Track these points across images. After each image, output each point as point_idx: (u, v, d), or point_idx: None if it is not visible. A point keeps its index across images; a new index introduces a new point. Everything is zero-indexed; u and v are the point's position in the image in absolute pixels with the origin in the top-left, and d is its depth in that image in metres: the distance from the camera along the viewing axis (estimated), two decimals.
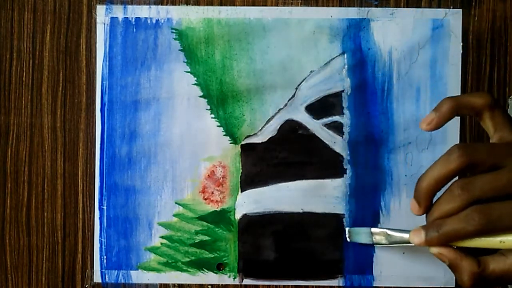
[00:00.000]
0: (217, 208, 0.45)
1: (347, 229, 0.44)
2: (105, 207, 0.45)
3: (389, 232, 0.42)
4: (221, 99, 0.45)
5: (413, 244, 0.35)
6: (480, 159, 0.33)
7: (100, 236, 0.45)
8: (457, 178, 0.34)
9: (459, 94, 0.44)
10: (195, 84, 0.45)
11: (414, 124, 0.44)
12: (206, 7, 0.45)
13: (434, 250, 0.35)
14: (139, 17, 0.45)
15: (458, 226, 0.33)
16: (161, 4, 0.45)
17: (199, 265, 0.45)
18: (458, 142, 0.44)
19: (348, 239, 0.44)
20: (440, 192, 0.34)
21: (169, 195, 0.45)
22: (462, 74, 0.44)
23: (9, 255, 0.46)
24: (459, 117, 0.44)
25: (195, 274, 0.45)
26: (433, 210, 0.35)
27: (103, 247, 0.45)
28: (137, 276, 0.45)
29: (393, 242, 0.42)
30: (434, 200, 0.35)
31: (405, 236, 0.40)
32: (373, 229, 0.43)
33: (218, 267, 0.45)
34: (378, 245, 0.44)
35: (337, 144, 0.45)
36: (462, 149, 0.33)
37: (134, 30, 0.45)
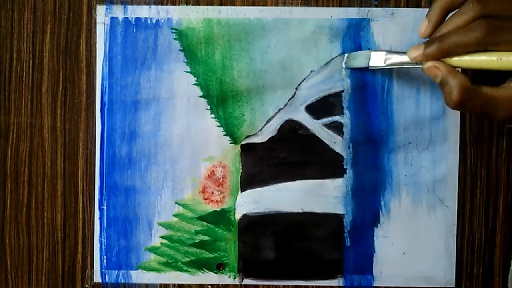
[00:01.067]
0: (217, 208, 0.45)
1: (345, 54, 0.43)
2: (105, 207, 0.45)
3: (387, 53, 0.41)
4: (221, 99, 0.45)
5: (410, 66, 0.35)
6: (494, 9, 0.33)
7: (100, 236, 0.45)
8: None
9: None
10: (195, 84, 0.45)
11: (414, 124, 0.44)
12: (206, 7, 0.45)
13: (429, 64, 0.35)
14: (139, 17, 0.45)
15: (460, 37, 0.33)
16: (161, 4, 0.45)
17: (199, 265, 0.45)
18: (458, 142, 0.44)
19: (344, 65, 0.43)
20: None
21: (169, 195, 0.45)
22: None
23: (9, 255, 0.46)
24: (459, 117, 0.44)
25: (195, 274, 0.45)
26: (441, 27, 0.35)
27: (103, 247, 0.45)
28: (137, 276, 0.45)
29: (391, 64, 0.40)
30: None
31: (404, 57, 0.39)
32: (372, 52, 0.42)
33: (218, 267, 0.45)
34: (374, 67, 0.42)
35: (337, 144, 0.45)
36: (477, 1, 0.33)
37: (134, 30, 0.45)
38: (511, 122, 0.36)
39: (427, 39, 0.37)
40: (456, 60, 0.34)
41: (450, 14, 0.35)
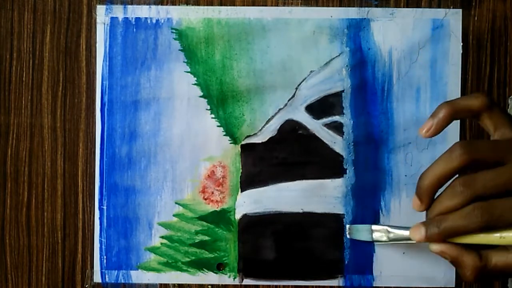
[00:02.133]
0: (217, 208, 0.45)
1: (347, 226, 0.44)
2: (105, 207, 0.45)
3: (389, 229, 0.42)
4: (221, 99, 0.45)
5: (413, 241, 0.35)
6: (482, 156, 0.33)
7: (100, 236, 0.45)
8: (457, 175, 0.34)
9: (459, 94, 0.44)
10: (195, 84, 0.45)
11: (414, 124, 0.44)
12: (206, 7, 0.45)
13: (435, 247, 0.35)
14: (139, 17, 0.45)
15: (460, 222, 0.33)
16: (161, 4, 0.45)
17: (199, 265, 0.45)
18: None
19: (348, 236, 0.44)
20: (442, 188, 0.34)
21: (169, 195, 0.45)
22: (462, 74, 0.44)
23: (9, 255, 0.46)
24: None
25: (195, 274, 0.45)
26: (434, 206, 0.35)
27: (103, 247, 0.45)
28: (137, 276, 0.45)
29: (393, 239, 0.41)
30: (436, 196, 0.35)
31: (405, 233, 0.40)
32: (373, 226, 0.43)
33: (218, 267, 0.45)
34: (378, 243, 0.43)
35: (337, 144, 0.45)
36: (464, 147, 0.34)
37: (134, 30, 0.45)
38: None
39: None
40: (460, 238, 0.34)
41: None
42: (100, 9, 0.45)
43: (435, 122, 0.36)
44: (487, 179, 0.33)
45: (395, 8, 0.44)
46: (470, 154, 0.33)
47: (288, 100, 0.45)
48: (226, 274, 0.45)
